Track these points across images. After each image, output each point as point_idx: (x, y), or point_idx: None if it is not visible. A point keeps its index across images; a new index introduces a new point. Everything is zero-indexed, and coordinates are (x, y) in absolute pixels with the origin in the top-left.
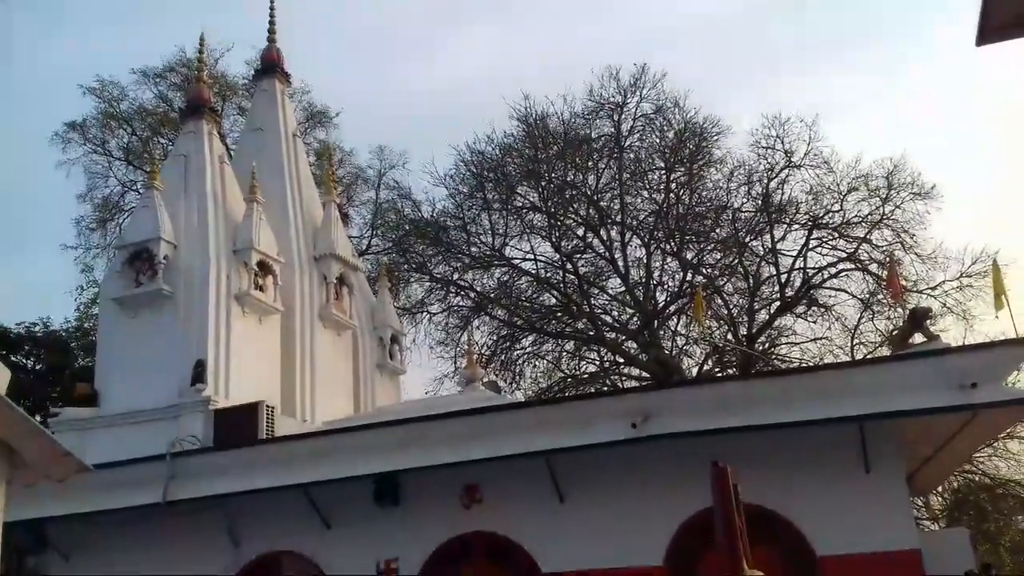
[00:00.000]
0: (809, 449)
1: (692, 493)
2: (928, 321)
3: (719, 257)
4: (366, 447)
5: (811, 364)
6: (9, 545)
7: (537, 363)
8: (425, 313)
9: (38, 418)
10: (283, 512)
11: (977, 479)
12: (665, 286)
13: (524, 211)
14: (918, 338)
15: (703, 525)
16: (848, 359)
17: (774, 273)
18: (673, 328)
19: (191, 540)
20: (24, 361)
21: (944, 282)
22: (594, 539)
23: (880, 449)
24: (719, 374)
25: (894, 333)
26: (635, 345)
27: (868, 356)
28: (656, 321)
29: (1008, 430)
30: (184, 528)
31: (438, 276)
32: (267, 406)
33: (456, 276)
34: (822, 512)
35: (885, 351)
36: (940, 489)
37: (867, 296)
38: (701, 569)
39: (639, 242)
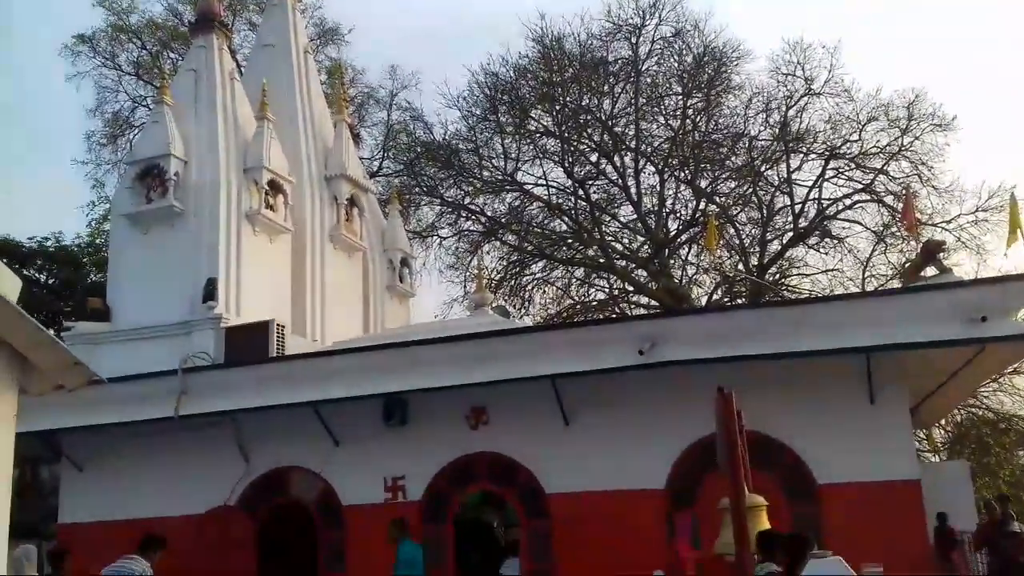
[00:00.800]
0: (815, 379)
1: (696, 419)
2: (941, 254)
3: (733, 186)
4: (375, 367)
5: (821, 295)
6: (24, 455)
7: (546, 289)
8: (435, 237)
9: (51, 332)
10: (293, 429)
11: (981, 413)
12: (677, 214)
13: (537, 135)
14: (930, 271)
15: (705, 451)
16: (859, 291)
17: (788, 203)
18: (684, 257)
19: (202, 454)
20: (36, 275)
21: (959, 216)
22: (598, 462)
23: (886, 381)
24: (728, 304)
25: (906, 265)
26: (645, 273)
27: (879, 288)
28: (667, 250)
29: (1015, 365)
30: (195, 442)
31: (449, 200)
32: (278, 325)
33: (467, 200)
34: (824, 441)
35: (897, 284)
36: (943, 422)
37: (881, 228)
38: (702, 493)
39: (653, 169)
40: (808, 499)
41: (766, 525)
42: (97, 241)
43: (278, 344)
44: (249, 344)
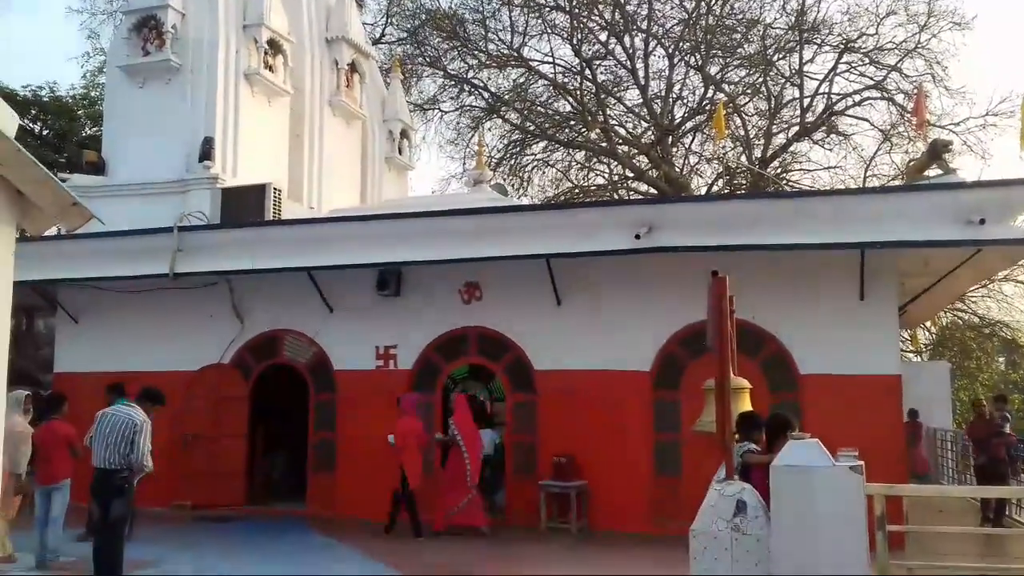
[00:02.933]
0: (808, 272)
1: (686, 306)
2: (947, 155)
3: (743, 75)
4: (371, 236)
5: (820, 189)
6: (20, 305)
7: (546, 171)
8: (437, 110)
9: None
10: (287, 293)
11: (967, 318)
12: (685, 101)
13: (546, 9)
14: (934, 171)
15: (693, 337)
16: (858, 187)
17: (797, 96)
18: (687, 146)
19: (196, 313)
20: (31, 125)
21: (968, 119)
22: (587, 342)
23: (877, 278)
24: (727, 193)
25: (911, 164)
26: (646, 160)
27: (881, 186)
28: (671, 137)
29: (1006, 272)
30: (190, 301)
31: (452, 72)
32: (274, 189)
33: (471, 74)
34: (811, 333)
35: (899, 183)
36: (928, 324)
37: (888, 128)
38: (686, 378)
39: (662, 53)
40: (790, 388)
41: (748, 407)
42: (92, 94)
43: (274, 208)
44: (245, 206)
